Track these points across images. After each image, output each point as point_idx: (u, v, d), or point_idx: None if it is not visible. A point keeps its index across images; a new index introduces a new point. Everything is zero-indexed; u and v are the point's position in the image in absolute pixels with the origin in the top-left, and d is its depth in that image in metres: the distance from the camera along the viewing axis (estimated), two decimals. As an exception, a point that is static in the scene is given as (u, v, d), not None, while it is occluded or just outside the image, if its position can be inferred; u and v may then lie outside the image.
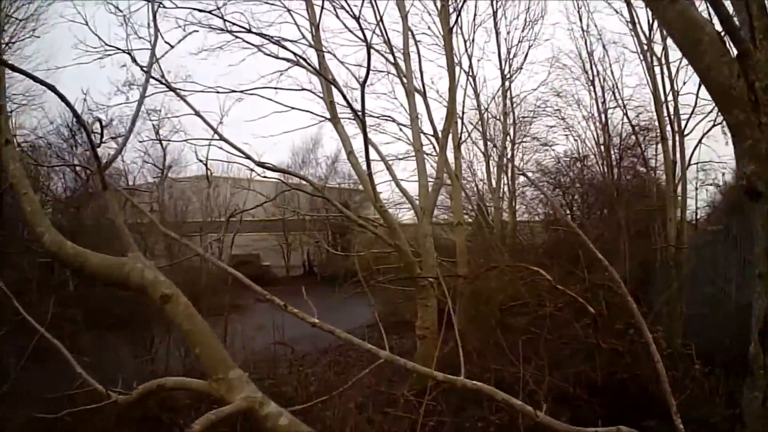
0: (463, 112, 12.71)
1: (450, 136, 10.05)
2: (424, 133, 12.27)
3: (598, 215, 15.23)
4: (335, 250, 18.88)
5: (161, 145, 10.76)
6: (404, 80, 10.02)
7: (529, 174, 17.44)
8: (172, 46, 7.26)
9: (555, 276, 5.75)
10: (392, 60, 10.32)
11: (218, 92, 9.44)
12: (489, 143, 15.52)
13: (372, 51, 11.16)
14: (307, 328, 2.94)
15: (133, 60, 8.34)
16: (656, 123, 11.96)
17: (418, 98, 10.91)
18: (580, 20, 14.72)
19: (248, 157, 8.68)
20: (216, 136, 8.77)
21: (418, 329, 9.12)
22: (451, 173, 11.13)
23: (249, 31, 8.37)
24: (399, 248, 8.49)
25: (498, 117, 16.32)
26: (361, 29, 7.93)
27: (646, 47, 11.55)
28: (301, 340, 17.59)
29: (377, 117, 12.23)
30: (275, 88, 9.38)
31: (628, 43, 14.73)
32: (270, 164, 9.10)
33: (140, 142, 11.58)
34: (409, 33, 9.79)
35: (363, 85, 7.07)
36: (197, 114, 8.63)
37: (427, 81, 13.33)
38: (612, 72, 14.41)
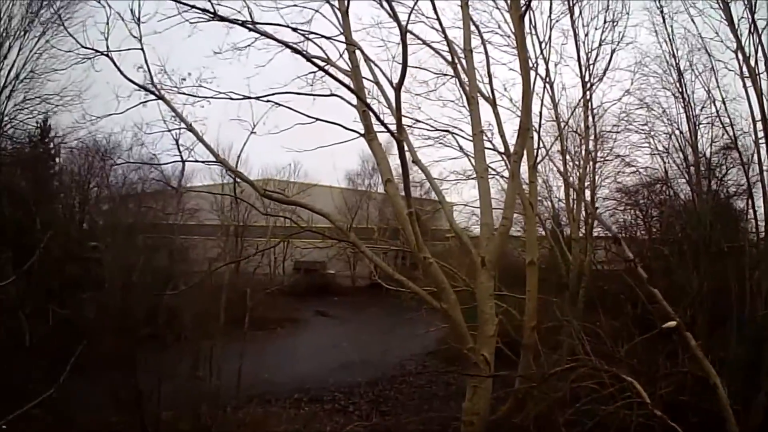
0: (540, 125, 9.88)
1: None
2: (494, 149, 9.60)
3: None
4: (403, 262, 16.51)
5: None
6: (466, 84, 7.45)
7: (606, 191, 14.30)
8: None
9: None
10: (450, 58, 7.75)
11: (231, 98, 7.24)
12: (569, 161, 12.54)
13: (422, 48, 8.81)
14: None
15: (113, 63, 6.79)
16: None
17: (485, 107, 8.31)
18: (663, 21, 11.92)
19: (252, 185, 6.41)
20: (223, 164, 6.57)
21: (465, 414, 6.44)
22: (525, 201, 8.44)
23: (254, 23, 5.93)
24: (448, 315, 5.90)
25: (577, 131, 13.34)
26: (392, 7, 5.25)
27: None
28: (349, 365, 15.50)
29: (432, 129, 9.61)
30: (297, 93, 6.98)
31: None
32: (276, 193, 6.73)
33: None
34: (471, 23, 7.18)
35: (398, 88, 4.59)
36: (191, 130, 6.53)
37: (498, 87, 10.41)
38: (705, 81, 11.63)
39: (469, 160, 9.64)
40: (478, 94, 7.33)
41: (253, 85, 7.19)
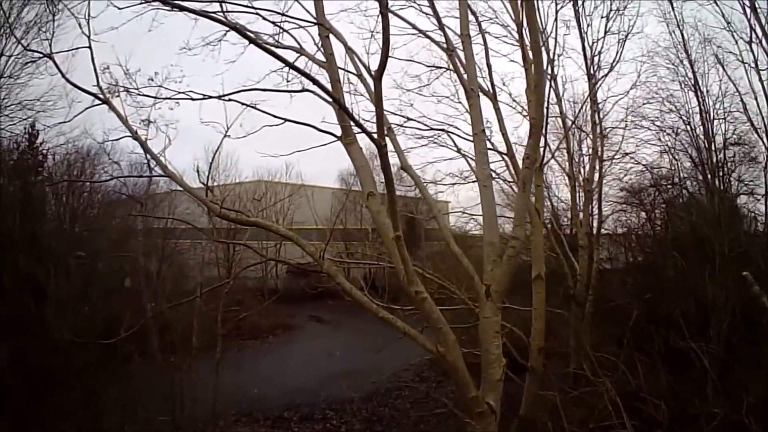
0: (546, 123, 8.56)
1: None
2: (494, 149, 8.31)
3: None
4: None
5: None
6: (463, 76, 6.14)
7: (612, 191, 13.00)
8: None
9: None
10: (444, 44, 6.43)
11: (192, 98, 6.00)
12: (574, 161, 11.22)
13: (413, 38, 7.48)
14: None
15: (56, 66, 5.95)
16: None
17: (484, 103, 7.02)
18: (672, 9, 10.96)
19: (206, 204, 5.10)
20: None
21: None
22: (530, 207, 7.12)
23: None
24: (445, 360, 4.58)
25: (581, 127, 12.04)
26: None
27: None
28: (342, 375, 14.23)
29: (426, 128, 8.29)
30: (263, 90, 5.66)
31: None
32: (232, 211, 5.37)
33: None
34: (468, 9, 5.85)
35: (378, 77, 3.31)
36: (136, 139, 5.33)
37: (497, 81, 9.05)
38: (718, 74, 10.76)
39: (468, 163, 8.34)
40: (477, 88, 5.99)
41: (230, 83, 5.93)
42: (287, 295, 22.25)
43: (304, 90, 5.82)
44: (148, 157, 5.73)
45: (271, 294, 22.73)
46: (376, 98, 3.74)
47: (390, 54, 3.76)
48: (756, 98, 10.58)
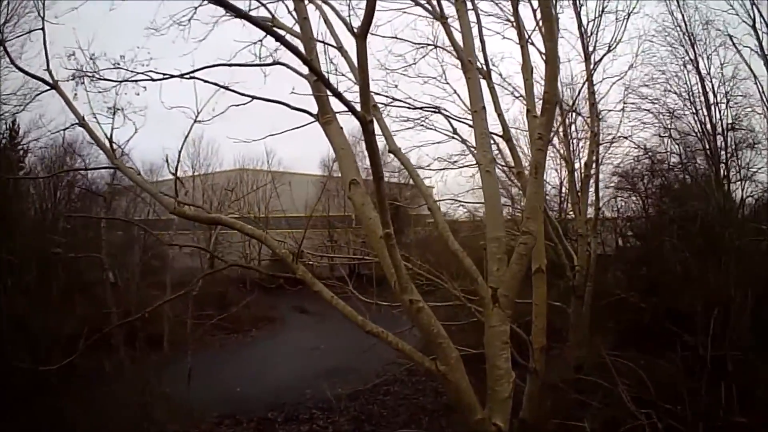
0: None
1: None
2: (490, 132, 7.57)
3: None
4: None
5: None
6: (459, 46, 5.30)
7: (601, 176, 12.31)
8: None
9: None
10: (438, 13, 5.57)
11: (153, 79, 5.21)
12: (572, 144, 10.46)
13: (399, 15, 6.59)
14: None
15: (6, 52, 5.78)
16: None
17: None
18: None
19: (157, 198, 4.27)
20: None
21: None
22: (542, 198, 6.36)
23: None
24: (446, 379, 3.78)
25: (575, 109, 11.32)
26: None
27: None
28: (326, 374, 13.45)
29: (412, 107, 7.48)
30: (229, 65, 4.82)
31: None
32: (190, 207, 4.49)
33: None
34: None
35: (362, 35, 2.40)
36: (83, 125, 4.64)
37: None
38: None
39: (466, 145, 7.55)
40: (475, 61, 5.14)
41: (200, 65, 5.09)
42: (270, 284, 21.39)
43: (275, 63, 5.00)
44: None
45: (254, 284, 21.88)
46: (360, 62, 2.89)
47: (376, 7, 2.91)
48: (757, 82, 10.12)
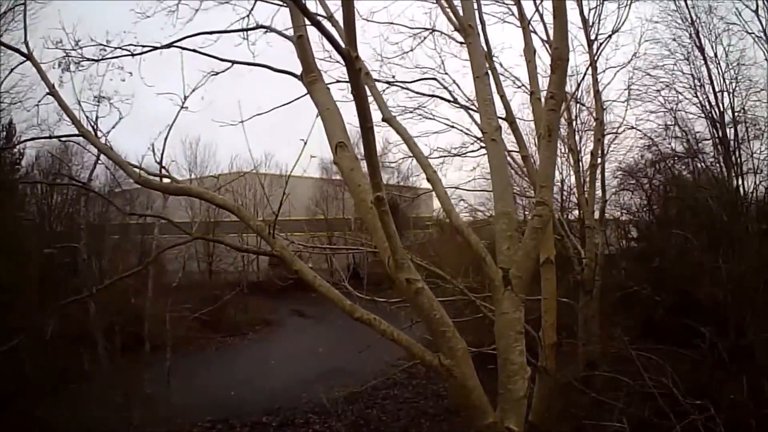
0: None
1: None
2: (499, 118, 7.17)
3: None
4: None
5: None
6: (459, 12, 4.80)
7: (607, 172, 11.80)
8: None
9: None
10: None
11: (133, 54, 4.90)
12: (577, 134, 9.97)
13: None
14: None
15: None
16: None
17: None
18: None
19: (123, 168, 3.73)
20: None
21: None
22: (552, 166, 5.86)
23: None
24: (452, 375, 3.22)
25: (579, 99, 10.88)
26: None
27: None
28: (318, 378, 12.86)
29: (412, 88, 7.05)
30: (210, 32, 4.36)
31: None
32: (156, 176, 3.95)
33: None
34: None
35: None
36: (52, 95, 4.21)
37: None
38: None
39: (470, 115, 7.14)
40: (476, 25, 4.63)
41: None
42: (268, 287, 20.90)
43: (258, 27, 4.49)
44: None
45: (252, 287, 21.37)
46: (346, 16, 2.39)
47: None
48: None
